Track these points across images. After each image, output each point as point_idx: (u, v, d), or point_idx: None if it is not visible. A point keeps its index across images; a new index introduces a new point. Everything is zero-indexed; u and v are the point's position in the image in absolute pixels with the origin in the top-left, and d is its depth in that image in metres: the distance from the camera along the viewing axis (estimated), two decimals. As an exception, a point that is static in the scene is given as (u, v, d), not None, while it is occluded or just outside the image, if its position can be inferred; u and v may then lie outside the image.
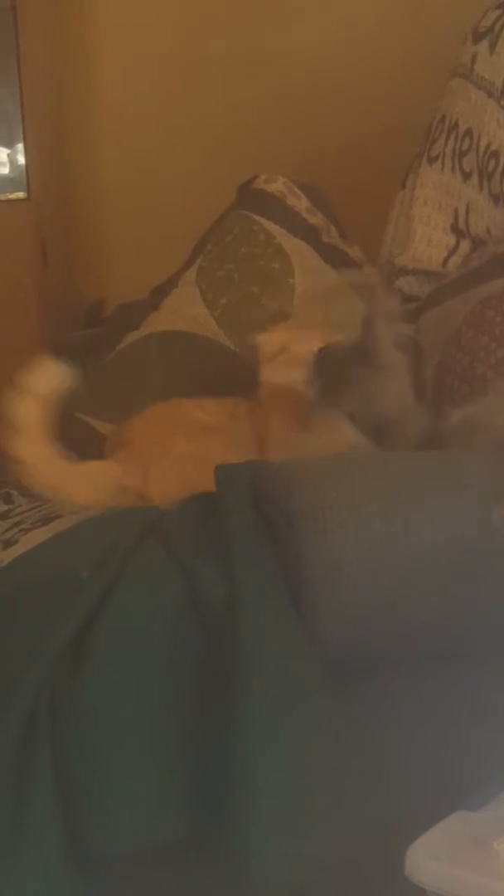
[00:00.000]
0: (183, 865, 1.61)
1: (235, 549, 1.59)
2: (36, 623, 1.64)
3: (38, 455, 1.91)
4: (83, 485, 1.93)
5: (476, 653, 1.60)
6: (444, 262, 2.41)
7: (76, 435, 2.42)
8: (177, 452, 1.91)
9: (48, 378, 1.86)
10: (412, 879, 1.32)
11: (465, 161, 2.38)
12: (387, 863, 1.37)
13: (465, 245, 2.39)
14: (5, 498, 2.17)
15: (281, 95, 3.09)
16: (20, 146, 3.22)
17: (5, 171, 3.29)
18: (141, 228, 3.36)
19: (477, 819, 1.37)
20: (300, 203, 2.62)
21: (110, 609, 1.59)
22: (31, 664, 1.59)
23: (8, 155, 3.27)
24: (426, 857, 1.32)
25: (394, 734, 1.62)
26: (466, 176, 2.38)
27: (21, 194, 3.23)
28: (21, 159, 3.23)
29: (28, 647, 1.61)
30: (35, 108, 3.22)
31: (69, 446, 2.40)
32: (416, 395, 1.77)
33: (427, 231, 2.45)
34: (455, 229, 2.41)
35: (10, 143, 3.25)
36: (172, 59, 3.31)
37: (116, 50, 3.39)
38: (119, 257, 3.44)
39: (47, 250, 3.21)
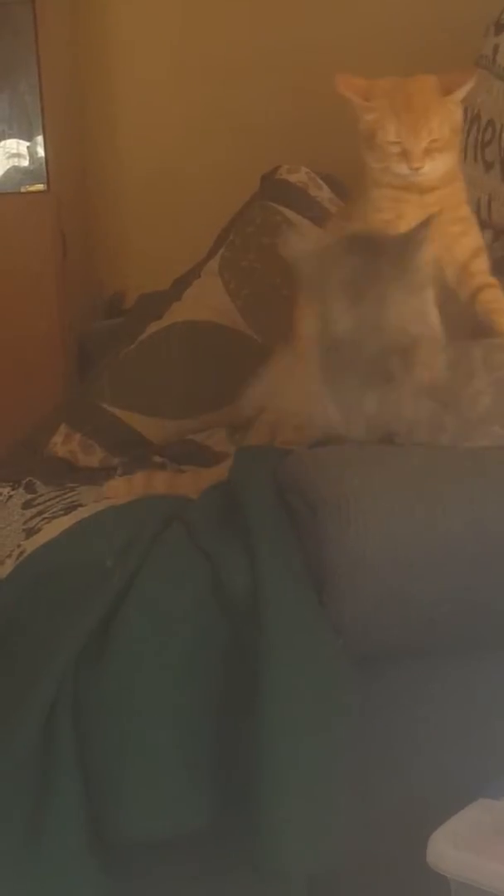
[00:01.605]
0: (206, 855, 1.62)
1: (258, 538, 1.59)
2: (59, 612, 1.64)
3: None
4: None
5: (499, 642, 1.60)
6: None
7: (99, 424, 2.43)
8: None
9: None
10: (434, 868, 1.32)
11: (488, 152, 2.38)
12: (409, 852, 1.37)
13: (487, 235, 2.38)
14: (28, 487, 2.17)
15: (301, 86, 3.08)
16: (40, 139, 3.22)
17: (25, 163, 3.29)
18: (161, 220, 3.36)
19: (499, 807, 1.37)
20: (322, 193, 2.62)
21: (134, 598, 1.60)
22: (55, 653, 1.59)
23: (28, 147, 3.27)
24: (448, 846, 1.32)
25: (415, 723, 1.62)
26: (488, 166, 2.37)
27: (41, 186, 3.24)
28: (41, 152, 3.23)
29: (51, 636, 1.62)
30: (54, 100, 3.22)
31: (92, 436, 2.41)
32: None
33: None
34: (477, 219, 2.40)
35: (29, 136, 3.25)
36: (191, 50, 3.30)
37: (135, 42, 3.39)
38: (139, 249, 3.44)
39: (67, 242, 3.21)
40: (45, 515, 1.96)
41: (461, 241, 1.82)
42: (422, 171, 1.76)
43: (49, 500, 2.06)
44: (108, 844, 1.57)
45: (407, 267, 1.60)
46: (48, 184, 3.22)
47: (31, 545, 1.84)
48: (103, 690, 1.57)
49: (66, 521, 1.88)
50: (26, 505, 2.07)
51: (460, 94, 1.79)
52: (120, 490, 1.99)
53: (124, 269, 3.46)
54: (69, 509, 1.97)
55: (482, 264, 1.81)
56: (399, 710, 1.61)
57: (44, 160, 3.22)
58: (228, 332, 2.44)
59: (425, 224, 1.62)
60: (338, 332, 1.59)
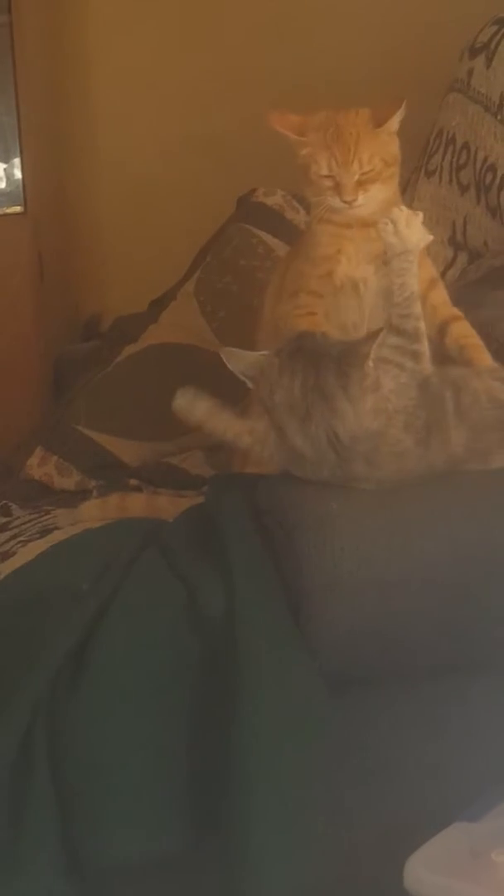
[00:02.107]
0: (183, 881, 1.61)
1: (234, 561, 1.59)
2: (34, 636, 1.64)
3: None
4: None
5: (475, 666, 1.59)
6: (442, 274, 2.41)
7: (75, 447, 2.42)
8: None
9: None
10: (411, 892, 1.31)
11: (463, 174, 2.39)
12: (386, 876, 1.36)
13: (462, 258, 2.40)
14: (4, 510, 2.17)
15: (278, 108, 3.09)
16: (17, 160, 3.22)
17: (2, 185, 3.29)
18: (138, 242, 3.36)
19: (475, 830, 1.37)
20: (299, 216, 2.63)
21: (109, 621, 1.59)
22: (29, 677, 1.58)
23: (5, 169, 3.27)
24: (425, 870, 1.32)
25: (392, 747, 1.61)
26: (464, 189, 2.39)
27: (18, 208, 3.24)
28: (18, 173, 3.23)
29: (26, 660, 1.61)
30: (32, 122, 3.22)
31: (68, 458, 2.41)
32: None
33: (425, 244, 2.46)
34: (453, 242, 2.41)
35: (6, 158, 3.26)
36: (170, 72, 3.31)
37: (114, 63, 3.39)
38: (116, 271, 3.44)
39: (44, 264, 3.20)
40: (21, 539, 1.95)
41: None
42: (355, 203, 1.76)
43: (24, 523, 2.06)
44: (83, 868, 1.56)
45: (352, 377, 1.56)
46: (25, 206, 3.22)
47: (6, 569, 1.83)
48: (79, 714, 1.56)
49: (42, 545, 1.88)
50: (1, 528, 2.06)
51: (392, 124, 1.78)
52: (93, 512, 1.98)
53: (102, 291, 3.46)
54: (45, 532, 1.97)
55: (440, 295, 1.80)
56: (375, 733, 1.60)
57: (21, 182, 3.22)
58: (204, 355, 2.44)
59: (373, 337, 1.58)
60: (295, 449, 1.58)
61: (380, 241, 1.75)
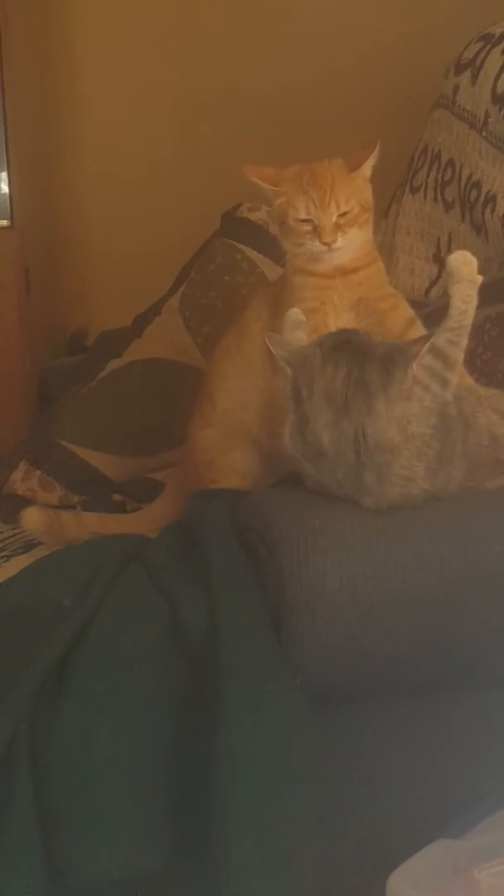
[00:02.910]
0: (163, 894, 1.60)
1: (217, 577, 1.59)
2: (17, 651, 1.63)
3: None
4: None
5: (459, 683, 1.59)
6: (427, 291, 2.42)
7: (59, 462, 2.42)
8: None
9: None
10: (393, 909, 1.31)
11: (448, 191, 2.39)
12: (368, 891, 1.36)
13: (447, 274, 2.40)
14: (-13, 525, 2.17)
15: (264, 124, 3.10)
16: (4, 175, 3.22)
17: (-11, 199, 3.29)
18: (124, 256, 3.36)
19: (458, 847, 1.37)
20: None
21: (92, 637, 1.59)
22: (12, 691, 1.57)
23: (-9, 183, 3.27)
24: (407, 886, 1.32)
25: (374, 763, 1.61)
26: (448, 206, 2.39)
27: (5, 222, 3.23)
28: (4, 188, 3.22)
29: (8, 675, 1.60)
30: (19, 135, 3.22)
31: (52, 473, 2.41)
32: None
33: (409, 260, 2.46)
34: (437, 258, 2.42)
35: (-7, 172, 3.26)
36: (157, 87, 3.32)
37: (101, 78, 3.40)
38: (102, 285, 3.45)
39: (31, 278, 3.20)
40: (4, 553, 1.95)
41: (392, 315, 1.83)
42: (335, 245, 1.77)
43: (8, 538, 2.05)
44: (63, 885, 1.56)
45: (395, 377, 1.56)
46: (12, 219, 3.22)
47: (-12, 584, 1.82)
48: (61, 730, 1.55)
49: (25, 560, 1.88)
50: (-16, 543, 2.06)
51: (366, 169, 1.80)
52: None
53: (88, 305, 3.46)
54: (28, 548, 1.97)
55: (418, 333, 1.81)
56: (358, 749, 1.60)
57: (8, 196, 3.22)
58: (188, 370, 2.44)
59: (423, 340, 1.58)
60: (318, 444, 1.57)
61: (363, 286, 1.74)
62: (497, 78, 2.31)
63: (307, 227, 1.77)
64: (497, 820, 1.41)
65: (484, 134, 2.32)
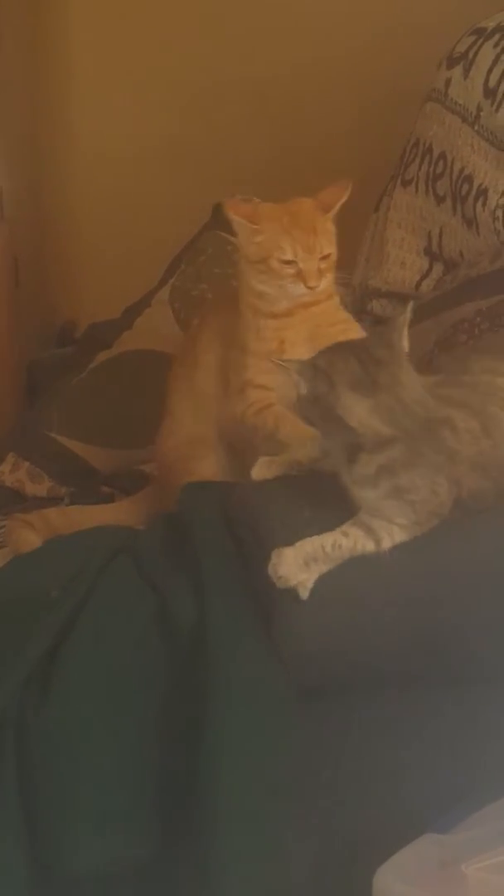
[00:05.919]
0: (148, 888, 1.60)
1: (206, 570, 1.59)
2: (4, 642, 1.63)
3: None
4: None
5: (445, 678, 1.59)
6: (417, 284, 2.42)
7: (47, 453, 2.42)
8: None
9: None
10: (381, 903, 1.31)
11: (439, 185, 2.39)
12: (355, 885, 1.36)
13: (438, 268, 2.40)
14: (-28, 517, 2.16)
15: (256, 116, 3.10)
16: (-7, 166, 3.22)
17: (-23, 190, 3.28)
18: (114, 248, 3.35)
19: (445, 842, 1.37)
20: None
21: (80, 629, 1.59)
22: (-1, 682, 1.58)
23: (-20, 174, 3.26)
24: (394, 880, 1.32)
25: (362, 757, 1.61)
26: (440, 199, 2.39)
27: (-6, 214, 3.23)
28: (-6, 179, 3.22)
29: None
30: (9, 127, 3.21)
31: (40, 465, 2.40)
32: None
33: (400, 254, 2.46)
34: (428, 252, 2.42)
35: (-18, 163, 3.25)
36: (148, 79, 3.31)
37: (92, 71, 3.39)
38: (92, 277, 3.44)
39: (20, 270, 3.19)
40: (-8, 545, 1.95)
41: (346, 336, 1.81)
42: (318, 289, 1.77)
43: (-7, 530, 2.05)
44: (51, 878, 1.56)
45: (398, 347, 1.53)
46: (1, 211, 3.21)
47: (-25, 575, 1.82)
48: (47, 721, 1.56)
49: (11, 552, 1.87)
50: (-30, 535, 2.06)
51: (336, 209, 1.80)
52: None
53: (77, 297, 3.45)
54: (15, 539, 1.96)
55: None
56: (345, 743, 1.60)
57: (-3, 187, 3.21)
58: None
59: (403, 309, 1.57)
60: (375, 431, 1.51)
61: (315, 318, 1.78)
62: (489, 72, 2.31)
63: (290, 270, 1.76)
64: (484, 815, 1.42)
65: (476, 128, 2.32)
